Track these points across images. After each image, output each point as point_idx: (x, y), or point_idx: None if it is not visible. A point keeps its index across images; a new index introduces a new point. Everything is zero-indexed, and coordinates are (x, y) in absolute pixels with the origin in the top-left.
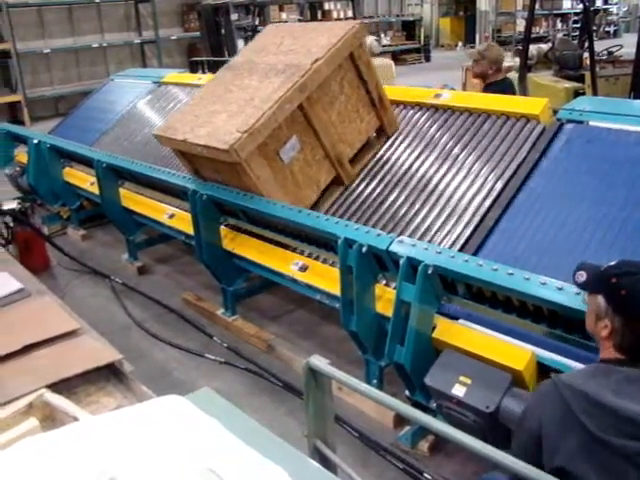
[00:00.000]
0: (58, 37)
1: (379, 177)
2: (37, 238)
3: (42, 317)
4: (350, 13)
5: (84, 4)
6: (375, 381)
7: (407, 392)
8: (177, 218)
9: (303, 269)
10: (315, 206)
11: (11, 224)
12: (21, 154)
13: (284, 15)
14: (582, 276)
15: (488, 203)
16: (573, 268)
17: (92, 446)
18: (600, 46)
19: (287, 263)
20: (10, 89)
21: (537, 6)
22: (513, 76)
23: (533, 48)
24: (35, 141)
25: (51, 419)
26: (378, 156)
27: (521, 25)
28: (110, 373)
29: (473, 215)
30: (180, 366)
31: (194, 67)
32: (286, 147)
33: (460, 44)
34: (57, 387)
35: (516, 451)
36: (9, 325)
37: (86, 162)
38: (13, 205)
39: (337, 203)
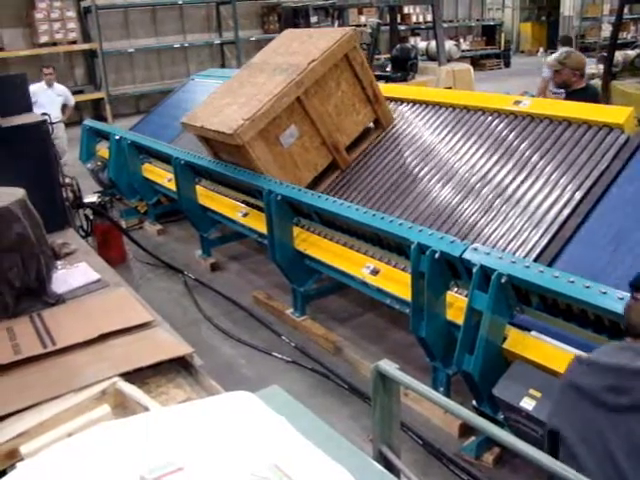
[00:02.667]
0: (142, 37)
1: (450, 184)
2: (115, 231)
3: (118, 308)
4: (429, 17)
5: (167, 5)
6: (442, 389)
7: (474, 402)
8: (251, 217)
9: (374, 273)
10: (314, 186)
11: (91, 217)
12: (103, 149)
13: (363, 18)
14: None
15: (567, 212)
16: None
17: (161, 436)
18: None
19: (359, 266)
20: (94, 87)
21: (625, 10)
22: (596, 83)
23: (619, 54)
24: (117, 137)
25: (122, 407)
26: (454, 162)
27: (607, 30)
28: (181, 366)
29: (550, 224)
30: (247, 363)
31: None
32: (285, 134)
33: (541, 50)
34: (130, 376)
35: None
36: (87, 314)
37: (164, 159)
38: (93, 199)
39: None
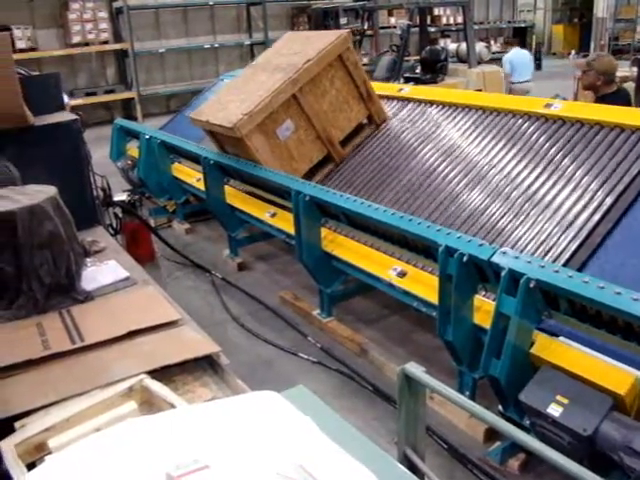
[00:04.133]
0: (173, 38)
1: (479, 187)
2: (144, 230)
3: (146, 305)
4: (460, 18)
5: (198, 6)
6: (468, 393)
7: (500, 407)
8: (279, 217)
9: (402, 275)
10: (310, 177)
11: (120, 215)
12: (132, 148)
13: (393, 20)
14: None
15: (597, 218)
16: None
17: (187, 433)
18: None
19: (386, 268)
20: (125, 86)
21: None
22: (630, 86)
23: None
24: (147, 136)
25: (149, 404)
26: (485, 166)
27: None
28: (207, 365)
29: (580, 229)
30: (273, 363)
31: None
32: (282, 127)
33: (573, 52)
34: (156, 374)
35: None
36: (115, 311)
37: (193, 158)
38: (123, 197)
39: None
